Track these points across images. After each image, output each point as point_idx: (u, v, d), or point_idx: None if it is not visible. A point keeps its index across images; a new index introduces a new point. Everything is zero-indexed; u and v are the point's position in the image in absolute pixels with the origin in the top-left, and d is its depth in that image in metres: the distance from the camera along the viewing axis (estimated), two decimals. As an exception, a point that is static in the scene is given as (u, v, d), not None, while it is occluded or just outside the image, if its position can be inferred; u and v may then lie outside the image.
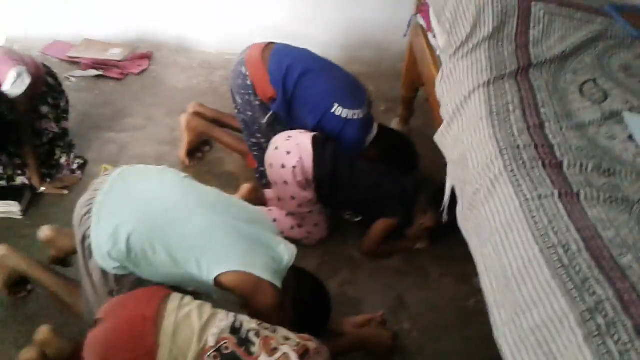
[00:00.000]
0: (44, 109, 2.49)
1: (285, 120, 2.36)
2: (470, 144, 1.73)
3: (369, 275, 2.21)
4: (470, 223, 1.60)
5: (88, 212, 1.60)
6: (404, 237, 2.29)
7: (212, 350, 1.36)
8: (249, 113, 2.40)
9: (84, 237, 1.60)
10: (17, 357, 1.64)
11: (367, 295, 2.10)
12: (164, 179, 1.71)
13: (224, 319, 1.44)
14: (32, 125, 2.46)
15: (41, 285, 1.90)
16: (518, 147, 1.60)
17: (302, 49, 2.44)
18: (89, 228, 1.59)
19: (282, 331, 1.49)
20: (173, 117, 2.90)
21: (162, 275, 1.61)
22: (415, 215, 2.22)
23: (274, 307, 1.59)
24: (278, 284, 1.59)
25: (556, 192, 1.43)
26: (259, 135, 2.44)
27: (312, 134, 2.21)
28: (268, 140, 2.32)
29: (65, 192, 2.46)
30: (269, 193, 2.38)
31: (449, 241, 2.25)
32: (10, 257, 1.90)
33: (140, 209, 1.57)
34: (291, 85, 2.28)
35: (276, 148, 2.19)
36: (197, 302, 1.49)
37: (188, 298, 1.49)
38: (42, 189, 2.43)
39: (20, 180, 2.43)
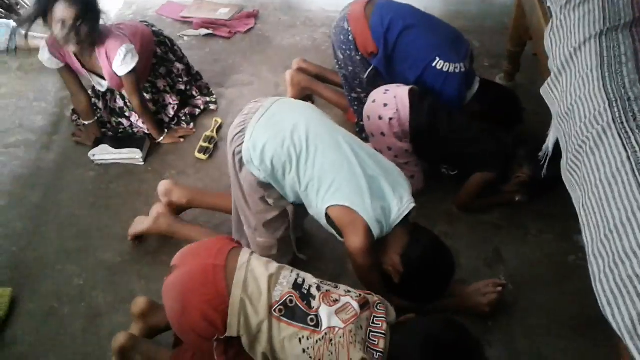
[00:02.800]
0: (160, 84, 2.67)
1: (386, 75, 2.39)
2: (578, 96, 1.69)
3: (466, 229, 2.23)
4: (574, 175, 1.58)
5: (240, 131, 1.82)
6: (500, 192, 2.28)
7: (278, 304, 1.47)
8: (350, 68, 2.45)
9: (234, 153, 1.83)
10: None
11: (464, 248, 2.12)
12: (307, 113, 1.85)
13: (287, 276, 1.54)
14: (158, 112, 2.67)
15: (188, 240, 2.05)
16: (629, 99, 1.55)
17: (405, 4, 2.44)
18: (239, 145, 1.81)
19: (344, 286, 1.58)
20: (278, 73, 3.02)
21: (293, 194, 1.83)
22: (512, 169, 2.19)
23: (362, 249, 1.67)
24: (375, 231, 1.66)
25: (667, 144, 1.38)
26: (359, 90, 2.49)
27: (410, 86, 2.23)
28: (368, 95, 2.37)
29: (182, 140, 2.66)
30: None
31: (549, 198, 2.22)
32: (167, 217, 2.13)
33: (284, 134, 1.74)
34: (393, 40, 2.30)
35: (374, 101, 2.24)
36: (264, 259, 1.61)
37: (256, 254, 1.62)
38: (161, 139, 2.64)
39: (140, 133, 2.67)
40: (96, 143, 2.60)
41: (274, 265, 1.58)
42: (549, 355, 1.82)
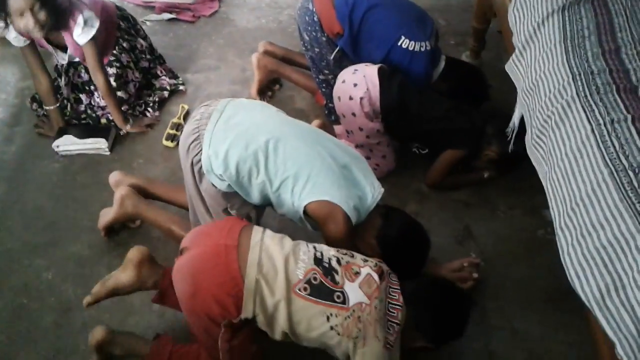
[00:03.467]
0: (124, 58, 2.60)
1: (353, 56, 2.38)
2: (542, 71, 1.71)
3: (436, 207, 2.25)
4: (539, 150, 1.61)
5: (195, 139, 1.74)
6: (470, 170, 2.30)
7: (302, 282, 1.45)
8: (317, 50, 2.43)
9: (192, 163, 1.75)
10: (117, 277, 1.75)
11: (435, 226, 2.14)
12: (265, 112, 1.81)
13: (306, 251, 1.53)
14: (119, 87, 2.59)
15: (154, 225, 2.06)
16: (592, 72, 1.57)
17: (369, -16, 2.42)
18: (197, 154, 1.73)
19: (359, 255, 1.58)
20: (244, 57, 2.97)
21: (260, 197, 1.75)
22: (482, 146, 2.21)
23: (343, 237, 1.66)
24: (353, 218, 1.67)
25: (629, 117, 1.41)
26: (326, 72, 2.47)
27: (379, 65, 2.22)
28: (335, 77, 2.35)
29: (148, 130, 2.61)
30: (338, 129, 2.43)
31: (517, 173, 2.25)
32: (131, 198, 2.06)
33: (247, 137, 1.68)
34: (357, 19, 2.28)
35: (343, 81, 2.22)
36: (278, 235, 1.59)
37: (269, 231, 1.59)
38: (127, 128, 2.59)
39: (104, 121, 2.61)
40: (59, 134, 2.53)
41: (288, 241, 1.56)
42: (522, 329, 1.85)
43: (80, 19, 2.29)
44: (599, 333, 1.25)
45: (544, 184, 1.54)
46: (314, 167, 1.67)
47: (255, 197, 1.76)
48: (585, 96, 1.51)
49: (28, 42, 2.38)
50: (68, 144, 2.50)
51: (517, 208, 2.22)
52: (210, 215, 1.83)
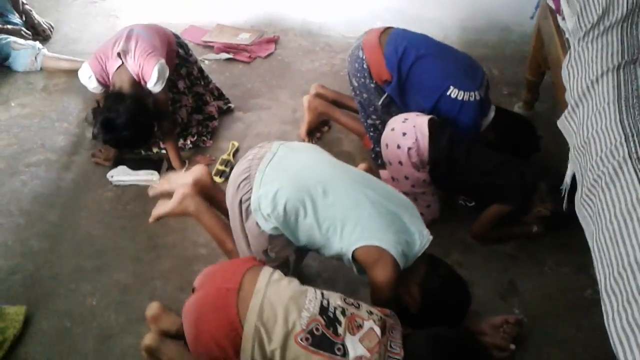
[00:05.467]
0: (181, 85, 2.71)
1: (400, 104, 2.40)
2: (594, 129, 1.67)
3: (480, 259, 2.20)
4: (588, 210, 1.56)
5: (246, 178, 1.78)
6: (518, 223, 2.25)
7: (305, 332, 1.46)
8: (365, 95, 2.46)
9: (241, 201, 1.79)
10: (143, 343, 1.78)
11: (478, 278, 2.09)
12: (317, 155, 1.86)
13: (312, 299, 1.53)
14: (174, 112, 2.69)
15: (208, 230, 2.04)
16: (646, 134, 1.53)
17: (420, 33, 2.46)
18: (246, 192, 1.77)
19: (365, 306, 1.58)
20: (296, 98, 3.04)
21: (306, 239, 1.76)
22: (533, 202, 2.17)
23: (390, 283, 1.66)
24: (401, 263, 1.66)
25: (685, 180, 1.36)
26: (374, 117, 2.50)
27: (429, 116, 2.23)
28: (383, 122, 2.38)
29: None
30: (384, 173, 2.44)
31: (566, 230, 2.18)
32: (194, 198, 2.01)
33: (297, 178, 1.73)
34: (406, 68, 2.31)
35: (392, 129, 2.24)
36: (287, 278, 1.60)
37: (277, 274, 1.61)
38: (182, 171, 2.64)
39: (156, 150, 2.71)
40: (114, 164, 2.64)
41: (296, 287, 1.57)
42: (562, 392, 1.78)
43: (155, 71, 2.37)
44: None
45: (590, 245, 1.49)
46: (364, 212, 1.68)
47: (301, 239, 1.77)
48: (638, 158, 1.46)
49: (102, 89, 2.52)
50: (122, 174, 2.60)
51: (565, 265, 2.15)
52: (250, 252, 1.86)
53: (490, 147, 2.27)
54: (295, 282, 1.60)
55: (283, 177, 1.73)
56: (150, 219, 2.10)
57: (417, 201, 2.26)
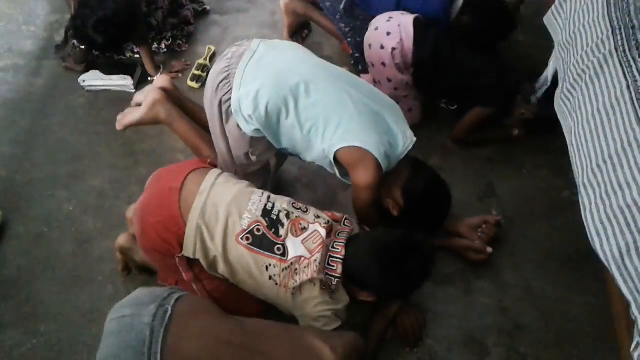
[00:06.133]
0: None
1: (362, 3, 2.31)
2: (581, 23, 1.62)
3: (460, 163, 2.20)
4: (567, 105, 1.54)
5: (225, 78, 1.70)
6: (499, 126, 2.23)
7: (245, 232, 1.47)
8: (328, 3, 2.37)
9: (221, 102, 1.71)
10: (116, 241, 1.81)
11: (458, 181, 2.09)
12: (298, 53, 1.76)
13: (256, 202, 1.52)
14: (149, 14, 2.56)
15: (182, 137, 1.97)
16: (633, 27, 1.49)
17: None
18: (226, 93, 1.69)
19: (314, 210, 1.57)
20: (274, 0, 2.90)
21: (288, 141, 1.71)
22: (516, 104, 2.13)
23: (371, 184, 1.64)
24: (384, 165, 1.64)
25: (670, 73, 1.33)
26: (343, 24, 2.40)
27: (414, 15, 2.14)
28: (354, 28, 2.29)
29: (180, 76, 2.57)
30: (365, 78, 2.37)
31: (547, 133, 2.17)
32: (165, 105, 1.94)
33: (279, 77, 1.64)
34: None
35: (376, 29, 2.15)
36: (234, 181, 1.59)
37: (223, 177, 1.59)
38: (157, 76, 2.53)
39: (129, 54, 2.61)
40: (86, 69, 2.53)
41: (242, 189, 1.56)
42: (537, 288, 1.83)
43: None
44: (615, 293, 1.22)
45: (567, 139, 1.49)
46: (346, 112, 1.63)
47: (282, 141, 1.73)
48: (624, 51, 1.43)
49: None
50: (94, 79, 2.50)
51: (543, 167, 2.16)
52: (230, 155, 1.81)
53: (466, 34, 2.20)
54: (242, 185, 1.58)
55: (264, 75, 1.65)
56: (119, 126, 2.01)
57: (399, 104, 2.21)
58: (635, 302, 1.09)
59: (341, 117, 1.62)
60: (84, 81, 2.50)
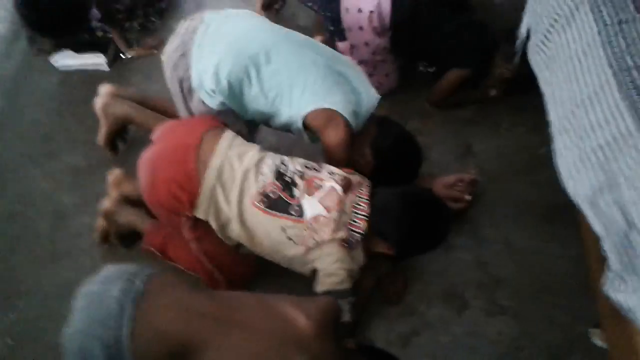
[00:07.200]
0: None
1: None
2: (551, -25, 1.61)
3: (438, 125, 2.18)
4: (542, 55, 1.54)
5: (182, 55, 1.66)
6: (477, 88, 2.22)
7: (260, 196, 1.47)
8: None
9: (182, 80, 1.68)
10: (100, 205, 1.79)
11: (436, 143, 2.09)
12: (254, 21, 1.73)
13: (270, 164, 1.52)
14: None
15: (145, 126, 1.97)
16: (603, -27, 1.48)
17: None
18: (185, 71, 1.66)
19: (327, 167, 1.57)
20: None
21: (254, 110, 1.69)
22: (495, 63, 2.12)
23: (343, 143, 1.63)
24: (352, 123, 1.63)
25: (638, 16, 1.33)
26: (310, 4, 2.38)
27: None
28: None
29: (155, 52, 2.48)
30: (340, 46, 2.35)
31: (525, 93, 2.16)
32: (113, 104, 1.97)
33: (237, 47, 1.61)
34: None
35: None
36: (248, 144, 1.58)
37: (240, 139, 1.58)
38: (132, 53, 2.51)
39: (100, 33, 2.51)
40: (57, 48, 2.48)
41: (256, 152, 1.55)
42: (515, 242, 1.83)
43: None
44: (589, 238, 1.22)
45: (543, 90, 1.48)
46: (310, 75, 1.61)
47: (248, 111, 1.71)
48: (595, -3, 1.42)
49: None
50: (67, 58, 2.46)
51: (521, 125, 2.15)
52: None
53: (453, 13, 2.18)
54: (255, 148, 1.58)
55: (222, 48, 1.61)
56: (104, 148, 2.06)
57: (376, 69, 2.20)
58: (607, 238, 1.10)
59: (305, 81, 1.61)
60: (56, 61, 2.46)
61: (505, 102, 2.21)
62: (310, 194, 1.49)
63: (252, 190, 1.48)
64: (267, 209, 1.46)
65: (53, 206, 1.96)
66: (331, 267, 1.47)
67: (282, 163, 1.55)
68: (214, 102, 1.67)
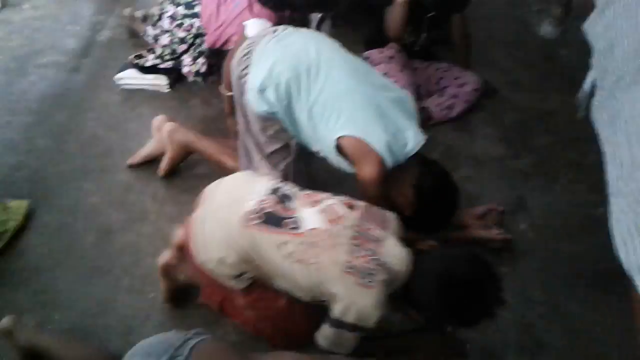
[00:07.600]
0: None
1: None
2: (621, 30, 1.55)
3: (491, 174, 2.12)
4: (605, 113, 1.47)
5: (246, 54, 1.76)
6: None
7: (254, 213, 1.40)
8: None
9: (239, 77, 1.77)
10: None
11: (487, 193, 2.02)
12: (317, 38, 1.78)
13: (263, 184, 1.48)
14: None
15: (205, 155, 2.07)
16: (675, 32, 1.41)
17: None
18: (246, 67, 1.74)
19: (330, 194, 1.48)
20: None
21: (295, 127, 1.73)
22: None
23: (375, 180, 1.60)
24: (389, 161, 1.60)
25: None
26: None
27: None
28: None
29: None
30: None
31: (583, 146, 2.09)
32: (178, 130, 2.08)
33: (293, 57, 1.67)
34: None
35: None
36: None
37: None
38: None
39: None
40: (123, 68, 2.58)
41: (240, 183, 1.56)
42: (563, 305, 1.73)
43: None
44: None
45: (604, 149, 1.41)
46: (354, 102, 1.62)
47: (290, 124, 1.73)
48: (665, 56, 1.35)
49: None
50: (130, 77, 2.55)
51: (579, 183, 2.06)
52: (250, 134, 1.82)
53: None
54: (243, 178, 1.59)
55: (279, 54, 1.69)
56: (162, 173, 2.13)
57: None
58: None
59: (347, 105, 1.62)
60: (120, 79, 2.55)
61: (564, 156, 2.13)
62: (310, 205, 1.41)
63: (241, 212, 1.41)
64: (259, 226, 1.37)
65: (100, 221, 1.99)
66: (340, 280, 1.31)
67: (278, 183, 1.50)
68: (261, 106, 1.70)
